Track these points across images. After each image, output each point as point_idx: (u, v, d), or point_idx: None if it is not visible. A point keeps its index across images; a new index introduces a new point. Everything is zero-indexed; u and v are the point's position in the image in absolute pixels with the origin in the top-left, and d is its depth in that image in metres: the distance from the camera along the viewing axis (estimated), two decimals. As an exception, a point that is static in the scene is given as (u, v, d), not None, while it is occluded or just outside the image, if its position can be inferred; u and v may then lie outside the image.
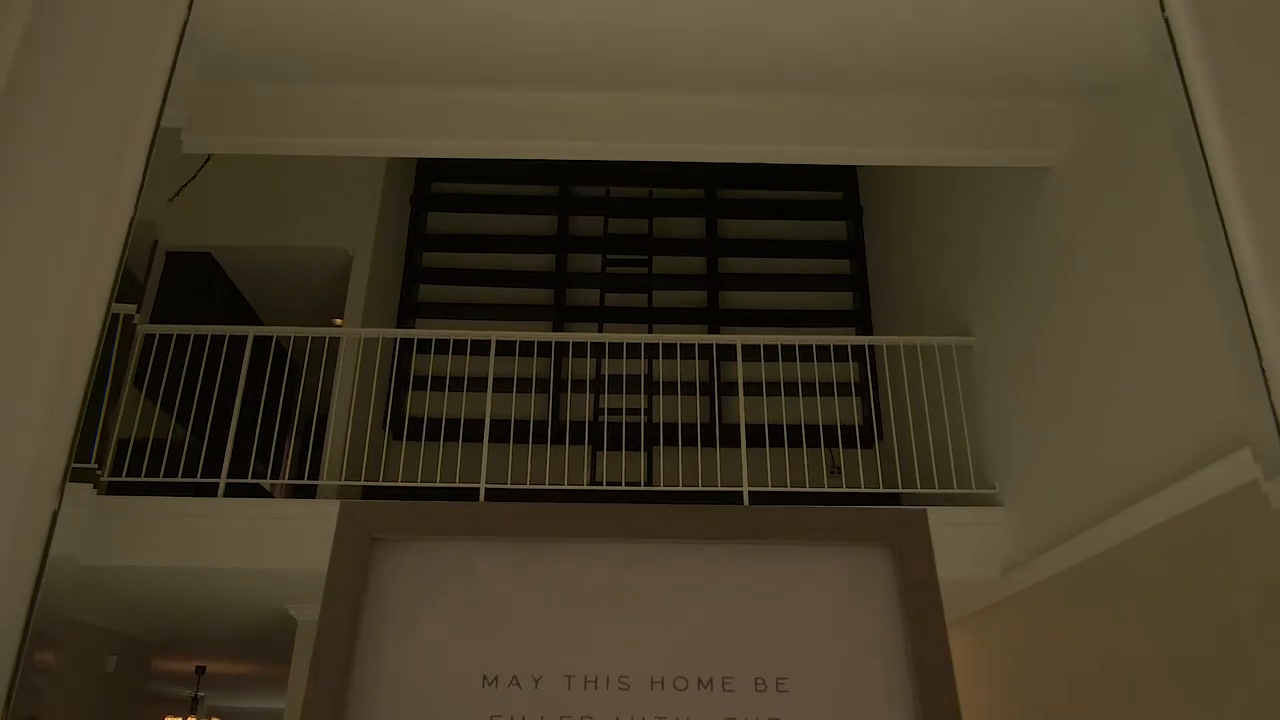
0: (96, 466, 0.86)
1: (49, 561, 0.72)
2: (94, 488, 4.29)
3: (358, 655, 0.61)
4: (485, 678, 0.61)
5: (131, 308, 0.90)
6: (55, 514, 0.74)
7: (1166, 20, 0.90)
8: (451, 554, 0.63)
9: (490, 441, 5.30)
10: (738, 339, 5.39)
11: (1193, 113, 0.86)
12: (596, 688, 0.59)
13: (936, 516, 4.43)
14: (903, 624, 0.60)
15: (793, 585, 0.62)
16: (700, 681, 0.59)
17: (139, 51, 0.93)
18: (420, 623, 0.62)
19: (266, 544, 4.69)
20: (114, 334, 0.85)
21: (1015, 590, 4.75)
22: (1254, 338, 0.81)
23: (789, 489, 5.25)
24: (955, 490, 5.17)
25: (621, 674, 0.59)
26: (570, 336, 5.48)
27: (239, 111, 3.78)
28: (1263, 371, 0.81)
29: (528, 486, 5.13)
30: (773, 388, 6.11)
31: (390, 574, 0.63)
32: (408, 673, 0.61)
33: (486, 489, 5.08)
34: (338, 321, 6.81)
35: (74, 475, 0.75)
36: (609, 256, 7.75)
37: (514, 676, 0.60)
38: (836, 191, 7.99)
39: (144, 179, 0.91)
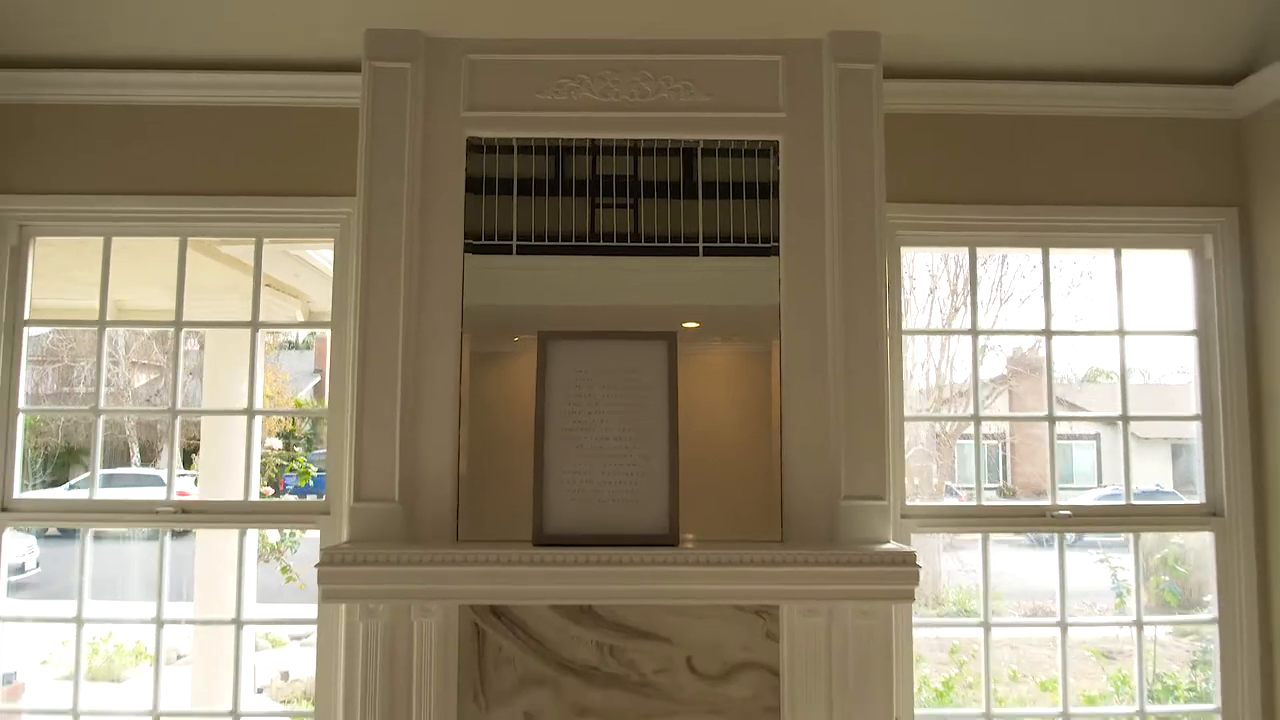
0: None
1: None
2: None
3: (548, 372, 2.78)
4: (576, 370, 2.78)
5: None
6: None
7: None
8: (568, 345, 2.80)
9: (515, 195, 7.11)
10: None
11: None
12: (607, 388, 2.77)
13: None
14: (665, 367, 2.79)
15: (637, 352, 2.80)
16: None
17: None
18: (562, 356, 2.78)
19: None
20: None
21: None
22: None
23: (732, 242, 7.18)
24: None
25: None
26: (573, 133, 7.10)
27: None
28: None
29: (545, 244, 7.04)
30: (730, 151, 7.75)
31: (554, 350, 2.79)
32: (560, 369, 2.78)
33: (517, 245, 7.02)
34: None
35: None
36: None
37: (584, 372, 2.78)
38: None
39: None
